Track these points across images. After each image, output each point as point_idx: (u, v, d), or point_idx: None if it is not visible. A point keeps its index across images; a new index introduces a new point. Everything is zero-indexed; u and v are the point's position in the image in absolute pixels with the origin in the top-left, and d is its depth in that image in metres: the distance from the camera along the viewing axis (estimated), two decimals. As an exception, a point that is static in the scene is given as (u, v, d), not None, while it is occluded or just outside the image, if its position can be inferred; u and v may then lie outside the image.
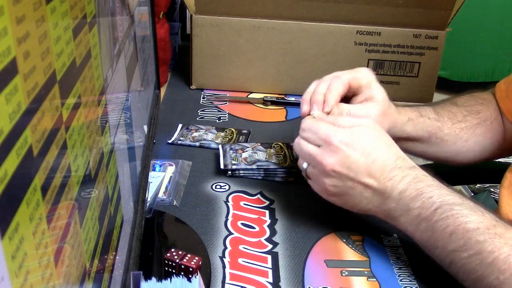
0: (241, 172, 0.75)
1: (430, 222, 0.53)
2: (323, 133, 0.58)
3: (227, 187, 0.73)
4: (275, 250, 0.61)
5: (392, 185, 0.55)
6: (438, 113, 0.75)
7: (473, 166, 0.86)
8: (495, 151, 0.78)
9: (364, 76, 0.68)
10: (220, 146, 0.80)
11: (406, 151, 0.65)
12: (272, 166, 0.75)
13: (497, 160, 0.84)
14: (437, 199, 0.53)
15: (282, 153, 0.79)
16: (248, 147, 0.80)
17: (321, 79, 0.68)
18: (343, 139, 0.57)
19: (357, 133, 0.57)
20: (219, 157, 0.77)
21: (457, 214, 0.51)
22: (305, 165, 0.61)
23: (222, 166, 0.75)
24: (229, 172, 0.75)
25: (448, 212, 0.51)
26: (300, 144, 0.61)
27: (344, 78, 0.66)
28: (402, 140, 0.72)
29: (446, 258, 0.53)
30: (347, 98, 0.69)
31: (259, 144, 0.81)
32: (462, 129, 0.76)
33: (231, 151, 0.78)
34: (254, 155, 0.77)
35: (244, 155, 0.77)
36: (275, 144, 0.81)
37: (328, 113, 0.65)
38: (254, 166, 0.75)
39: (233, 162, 0.75)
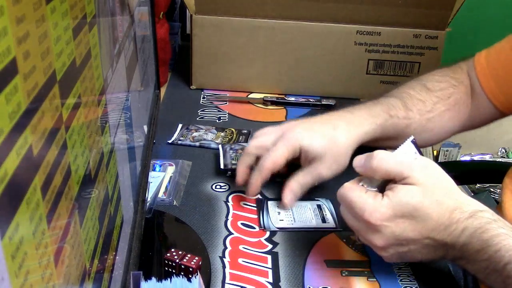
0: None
1: (500, 276, 0.48)
2: (359, 210, 0.52)
3: (227, 187, 0.73)
4: (275, 250, 0.61)
5: (452, 240, 0.50)
6: (407, 108, 0.75)
7: (473, 166, 0.86)
8: (455, 131, 0.80)
9: (293, 143, 0.65)
10: (220, 146, 0.80)
11: (372, 146, 0.65)
12: None
13: (497, 160, 0.84)
14: (505, 253, 0.47)
15: None
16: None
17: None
18: (381, 215, 0.50)
19: (398, 201, 0.50)
20: (219, 157, 0.77)
21: None
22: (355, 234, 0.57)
23: (222, 166, 0.75)
24: (229, 172, 0.75)
25: None
26: (343, 215, 0.55)
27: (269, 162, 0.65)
28: (372, 142, 0.72)
29: None
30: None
31: None
32: (429, 119, 0.76)
33: (231, 151, 0.78)
34: None
35: None
36: None
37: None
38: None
39: (233, 162, 0.75)
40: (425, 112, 0.76)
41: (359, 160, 0.54)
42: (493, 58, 0.77)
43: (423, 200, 0.50)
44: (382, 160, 0.52)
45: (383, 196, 0.52)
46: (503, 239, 0.48)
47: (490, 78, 0.76)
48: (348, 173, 0.62)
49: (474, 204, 0.52)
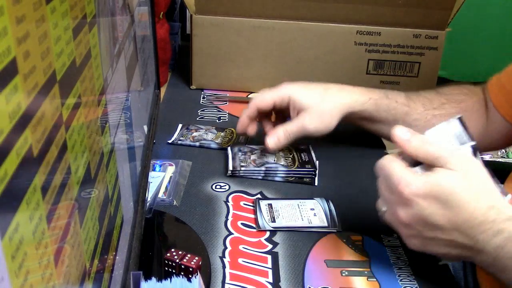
0: (241, 171, 0.75)
1: None
2: (395, 180, 0.50)
3: (227, 187, 0.73)
4: (275, 250, 0.61)
5: (484, 240, 0.48)
6: (409, 99, 0.75)
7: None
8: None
9: (284, 92, 0.73)
10: (229, 149, 0.80)
11: (372, 133, 0.66)
12: (281, 169, 0.75)
13: (497, 160, 0.84)
14: None
15: (291, 156, 0.79)
16: (256, 150, 0.80)
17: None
18: (416, 190, 0.49)
19: (435, 181, 0.49)
20: (228, 159, 0.77)
21: None
22: (384, 208, 0.54)
23: (230, 168, 0.75)
24: (229, 172, 0.75)
25: None
26: (378, 184, 0.54)
27: (252, 105, 0.75)
28: (365, 121, 0.74)
29: None
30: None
31: None
32: (435, 116, 0.75)
33: (240, 153, 0.78)
34: (263, 157, 0.78)
35: (253, 157, 0.77)
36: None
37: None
38: (262, 168, 0.75)
39: (242, 164, 0.75)
40: (431, 108, 0.75)
41: (401, 132, 0.53)
42: (504, 76, 0.76)
43: (461, 186, 0.48)
44: (424, 141, 0.52)
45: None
46: None
47: (499, 93, 0.75)
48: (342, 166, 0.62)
49: None
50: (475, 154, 0.53)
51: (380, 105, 0.74)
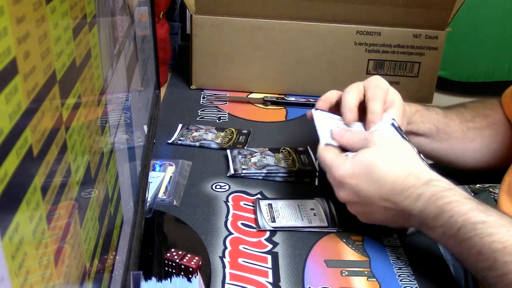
0: (242, 174, 0.75)
1: (456, 241, 0.51)
2: (328, 165, 0.59)
3: (227, 187, 0.73)
4: (275, 250, 0.61)
5: (409, 205, 0.54)
6: (445, 111, 0.75)
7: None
8: (504, 156, 0.76)
9: (384, 85, 0.67)
10: (228, 152, 0.80)
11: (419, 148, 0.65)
12: (282, 171, 0.75)
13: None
14: (458, 218, 0.51)
15: (291, 158, 0.79)
16: (256, 152, 0.80)
17: (329, 93, 0.70)
18: (344, 172, 0.57)
19: (358, 159, 0.57)
20: (228, 162, 0.77)
21: (481, 234, 0.49)
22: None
23: (232, 171, 0.75)
24: (231, 173, 0.75)
25: (472, 232, 0.50)
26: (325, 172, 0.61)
27: (357, 90, 0.66)
28: (410, 135, 0.71)
29: (478, 275, 0.51)
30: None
31: (267, 148, 0.81)
32: (469, 128, 0.75)
33: (239, 156, 0.78)
34: (263, 160, 0.78)
35: (253, 159, 0.78)
36: (283, 149, 0.81)
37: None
38: (264, 171, 0.75)
39: (243, 167, 0.75)
40: (465, 121, 0.75)
41: (337, 130, 0.62)
42: None
43: (380, 160, 0.56)
44: (354, 132, 0.62)
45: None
46: (456, 206, 0.51)
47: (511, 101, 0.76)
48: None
49: (431, 173, 0.55)
50: (398, 131, 0.61)
51: (424, 115, 0.73)
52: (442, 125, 0.74)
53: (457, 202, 0.52)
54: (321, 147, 0.61)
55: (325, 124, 0.65)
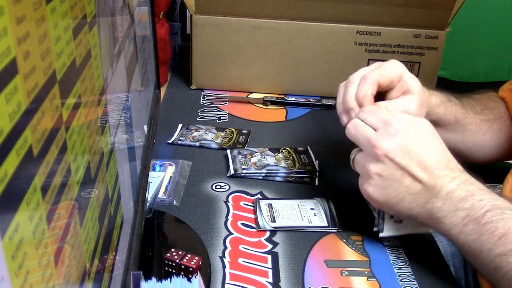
0: (242, 174, 0.75)
1: (478, 224, 0.51)
2: (383, 116, 0.57)
3: (227, 187, 0.73)
4: (275, 250, 0.61)
5: (442, 183, 0.54)
6: (462, 101, 0.75)
7: (473, 166, 0.86)
8: (505, 147, 0.77)
9: (393, 70, 0.64)
10: (228, 152, 0.80)
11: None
12: (282, 171, 0.75)
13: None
14: (488, 202, 0.51)
15: (291, 158, 0.79)
16: (256, 152, 0.80)
17: (347, 81, 0.65)
18: (402, 126, 0.55)
19: (415, 126, 0.56)
20: (228, 162, 0.77)
21: (508, 218, 0.50)
22: (355, 150, 0.59)
23: (232, 171, 0.75)
24: (231, 173, 0.75)
25: (499, 215, 0.50)
26: (356, 126, 0.58)
27: (372, 78, 0.63)
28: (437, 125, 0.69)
29: (491, 263, 0.50)
30: (381, 94, 0.65)
31: (267, 148, 0.81)
32: (482, 121, 0.75)
33: (239, 156, 0.78)
34: (263, 160, 0.78)
35: (253, 159, 0.78)
36: (283, 149, 0.81)
37: None
38: (264, 171, 0.75)
39: (243, 167, 0.75)
40: (477, 113, 0.75)
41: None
42: None
43: (435, 135, 0.57)
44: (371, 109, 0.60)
45: None
46: (486, 192, 0.53)
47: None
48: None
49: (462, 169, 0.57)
50: None
51: (447, 107, 0.72)
52: (461, 116, 0.73)
53: (487, 190, 0.53)
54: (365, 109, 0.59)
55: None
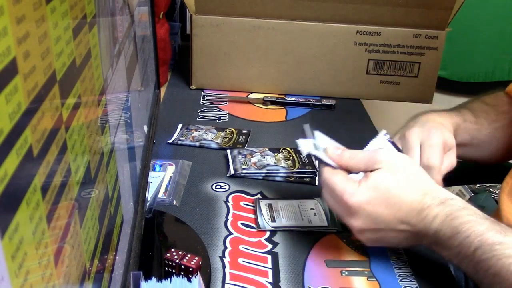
0: (242, 174, 0.75)
1: (471, 261, 0.50)
2: (339, 192, 0.54)
3: (227, 187, 0.73)
4: (275, 250, 0.61)
5: (425, 226, 0.52)
6: (475, 115, 0.75)
7: (473, 166, 0.86)
8: None
9: (448, 135, 0.66)
10: (228, 152, 0.80)
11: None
12: (282, 171, 0.75)
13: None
14: (475, 239, 0.49)
15: (291, 158, 0.79)
16: (256, 152, 0.80)
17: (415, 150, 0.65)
18: (358, 199, 0.53)
19: (373, 186, 0.53)
20: (228, 162, 0.77)
21: (498, 256, 0.48)
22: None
23: (232, 171, 0.75)
24: (232, 173, 0.75)
25: (489, 253, 0.48)
26: (325, 197, 0.57)
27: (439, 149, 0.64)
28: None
29: None
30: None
31: (267, 148, 0.81)
32: (497, 128, 0.75)
33: (239, 156, 0.78)
34: (263, 160, 0.78)
35: (253, 159, 0.78)
36: (283, 149, 0.81)
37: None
38: (264, 171, 0.75)
39: (243, 167, 0.75)
40: (491, 121, 0.75)
41: (331, 150, 0.58)
42: None
43: (395, 183, 0.54)
44: (353, 152, 0.57)
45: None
46: (472, 226, 0.50)
47: None
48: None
49: (445, 192, 0.54)
50: (394, 146, 0.60)
51: (462, 129, 0.72)
52: (475, 132, 0.74)
53: (473, 222, 0.50)
54: (326, 169, 0.57)
55: (319, 142, 0.60)
